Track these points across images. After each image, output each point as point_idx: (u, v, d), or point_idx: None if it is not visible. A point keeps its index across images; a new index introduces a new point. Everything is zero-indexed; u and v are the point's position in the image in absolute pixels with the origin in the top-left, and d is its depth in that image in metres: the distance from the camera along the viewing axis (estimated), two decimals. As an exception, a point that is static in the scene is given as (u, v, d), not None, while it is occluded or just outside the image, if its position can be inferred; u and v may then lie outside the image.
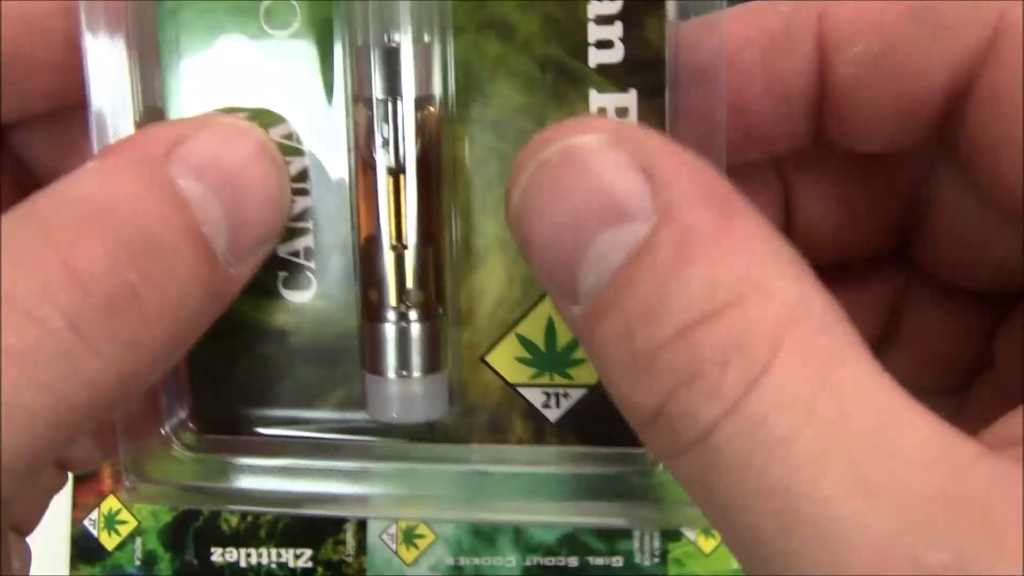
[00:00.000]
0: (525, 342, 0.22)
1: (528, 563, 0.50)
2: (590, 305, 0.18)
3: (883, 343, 0.26)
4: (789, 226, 0.25)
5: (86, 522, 0.52)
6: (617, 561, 0.50)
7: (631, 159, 0.17)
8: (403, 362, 0.21)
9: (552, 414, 0.22)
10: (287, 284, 0.22)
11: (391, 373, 0.22)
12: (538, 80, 0.21)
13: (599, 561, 0.50)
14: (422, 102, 0.21)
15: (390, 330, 0.21)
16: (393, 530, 0.51)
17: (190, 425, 0.23)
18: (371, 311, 0.22)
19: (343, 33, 0.21)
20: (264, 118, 0.22)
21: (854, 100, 0.22)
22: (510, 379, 0.22)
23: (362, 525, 0.51)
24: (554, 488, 0.22)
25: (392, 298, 0.21)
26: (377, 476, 0.23)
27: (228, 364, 0.23)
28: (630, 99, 0.21)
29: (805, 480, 0.16)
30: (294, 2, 0.21)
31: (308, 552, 0.51)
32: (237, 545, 0.51)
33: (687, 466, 0.17)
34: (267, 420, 0.23)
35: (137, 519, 0.51)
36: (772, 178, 0.25)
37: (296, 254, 0.22)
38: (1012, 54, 0.19)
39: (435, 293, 0.22)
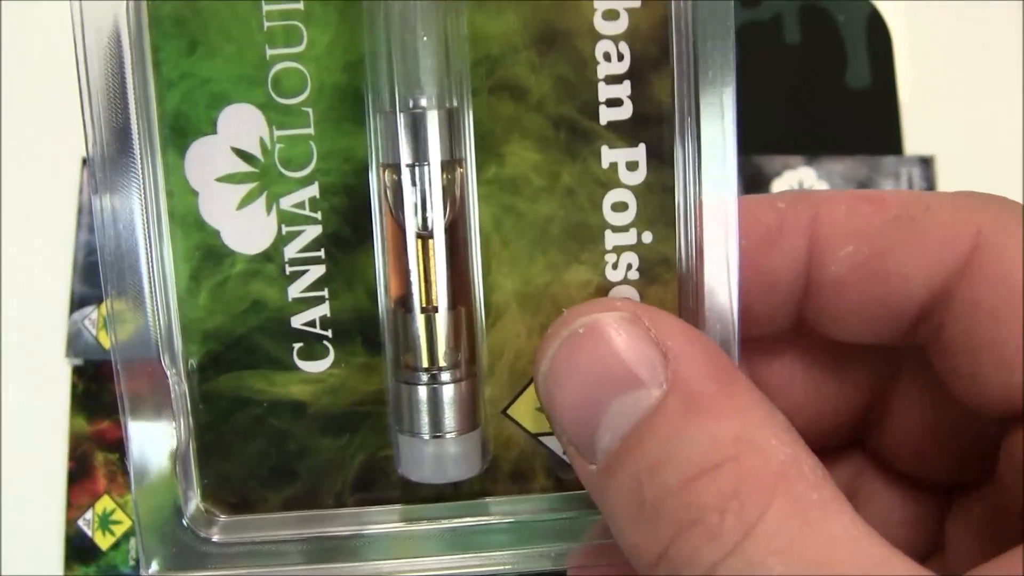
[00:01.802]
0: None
1: None
2: (604, 462, 0.20)
3: None
4: None
5: (80, 522, 0.50)
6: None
7: (647, 334, 0.20)
8: (437, 424, 0.22)
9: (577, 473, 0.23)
10: (303, 355, 0.22)
11: (426, 434, 0.22)
12: (551, 138, 0.22)
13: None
14: (448, 166, 0.21)
15: (423, 392, 0.22)
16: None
17: (202, 509, 0.23)
18: (404, 373, 0.22)
19: (368, 99, 0.21)
20: (284, 184, 0.22)
21: (840, 296, 0.24)
22: (532, 429, 0.23)
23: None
24: (579, 531, 0.23)
25: (425, 360, 0.22)
26: (401, 539, 0.23)
27: (241, 441, 0.23)
28: (640, 153, 0.22)
29: None
30: (303, 69, 0.21)
31: (298, 553, 0.51)
32: None
33: None
34: (286, 495, 0.23)
35: (131, 519, 0.50)
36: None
37: (312, 324, 0.22)
38: (991, 267, 0.22)
39: (467, 353, 0.22)
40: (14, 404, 0.52)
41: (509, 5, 0.21)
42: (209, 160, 0.21)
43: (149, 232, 0.21)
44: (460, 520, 0.23)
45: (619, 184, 0.22)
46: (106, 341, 0.50)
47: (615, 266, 0.22)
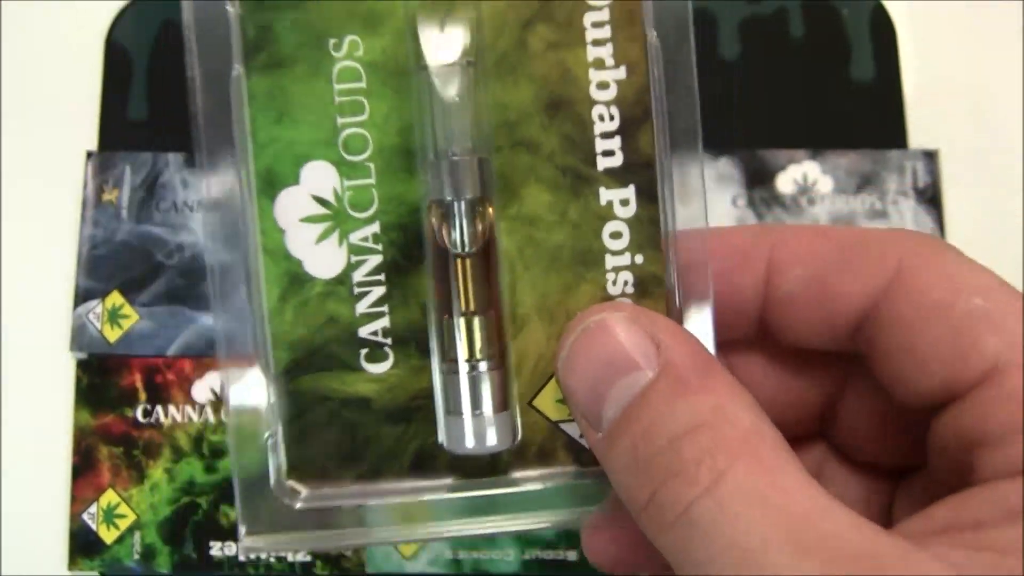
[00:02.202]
0: (562, 387, 0.31)
1: (527, 557, 0.56)
2: (608, 430, 0.28)
3: None
4: None
5: (85, 516, 0.56)
6: (615, 554, 0.57)
7: (643, 329, 0.28)
8: (476, 404, 0.30)
9: (587, 443, 0.31)
10: (368, 359, 0.31)
11: (467, 413, 0.31)
12: (560, 183, 0.31)
13: (597, 555, 0.57)
14: (480, 201, 0.30)
15: (464, 379, 0.31)
16: (393, 525, 0.57)
17: (288, 486, 0.31)
18: (449, 366, 0.31)
19: (419, 153, 0.30)
20: (353, 223, 0.31)
21: (791, 310, 0.32)
22: (553, 418, 0.32)
23: (360, 520, 0.57)
24: (593, 494, 0.32)
25: (465, 354, 0.30)
26: (450, 505, 0.32)
27: (320, 431, 0.31)
28: (630, 192, 0.31)
29: (755, 541, 0.24)
30: (367, 133, 0.31)
31: (307, 546, 0.57)
32: (236, 539, 0.57)
33: (671, 535, 0.26)
34: (356, 475, 0.32)
35: (136, 513, 0.56)
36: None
37: (376, 334, 0.31)
38: (909, 289, 0.29)
39: (497, 348, 0.31)
40: (18, 398, 0.58)
41: (524, 81, 0.31)
42: (293, 205, 0.31)
43: (247, 262, 0.30)
44: (497, 490, 0.32)
45: (615, 217, 0.31)
46: (110, 335, 0.57)
47: (614, 283, 0.31)
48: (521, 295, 0.32)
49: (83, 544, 0.57)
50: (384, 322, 0.32)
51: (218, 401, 0.59)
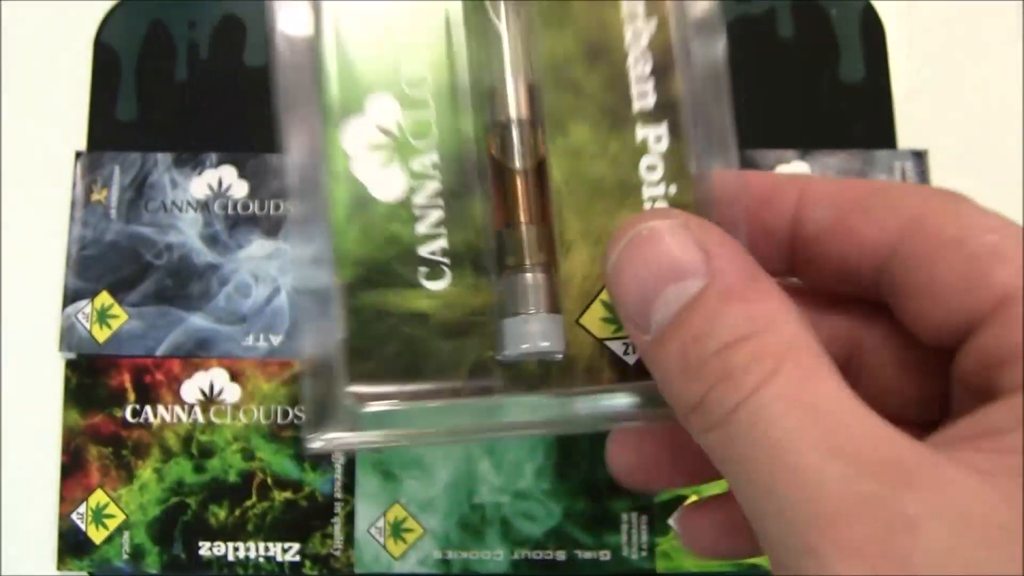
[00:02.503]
0: (607, 306, 0.36)
1: (516, 557, 0.59)
2: (657, 334, 0.30)
3: None
4: None
5: (74, 516, 0.60)
6: (605, 555, 0.59)
7: (693, 238, 0.30)
8: (529, 304, 0.35)
9: (630, 359, 0.36)
10: (427, 277, 0.36)
11: (521, 312, 0.34)
12: (600, 120, 0.36)
13: (587, 555, 0.59)
14: (532, 123, 0.35)
15: (519, 281, 0.35)
16: (381, 523, 0.60)
17: (349, 391, 0.35)
18: (507, 272, 0.35)
19: (473, 85, 0.36)
20: (413, 152, 0.35)
21: (816, 250, 0.35)
22: (599, 335, 0.36)
23: (350, 519, 0.60)
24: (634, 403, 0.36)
25: (520, 259, 0.35)
26: (502, 408, 0.36)
27: (381, 345, 0.36)
28: (663, 129, 0.36)
29: (793, 443, 0.27)
30: (427, 75, 0.36)
31: (296, 546, 0.60)
32: (225, 539, 0.60)
33: (716, 437, 0.28)
34: (415, 387, 0.36)
35: (125, 513, 0.59)
36: None
37: (434, 253, 0.36)
38: (928, 227, 0.32)
39: (549, 257, 0.35)
40: (7, 398, 0.61)
41: (568, 30, 0.36)
42: (359, 133, 0.35)
43: (319, 184, 0.35)
44: (547, 397, 0.36)
45: (649, 152, 0.36)
46: (99, 335, 0.61)
47: None
48: (567, 220, 0.36)
49: (72, 544, 0.60)
50: (442, 242, 0.36)
51: (207, 401, 0.62)
